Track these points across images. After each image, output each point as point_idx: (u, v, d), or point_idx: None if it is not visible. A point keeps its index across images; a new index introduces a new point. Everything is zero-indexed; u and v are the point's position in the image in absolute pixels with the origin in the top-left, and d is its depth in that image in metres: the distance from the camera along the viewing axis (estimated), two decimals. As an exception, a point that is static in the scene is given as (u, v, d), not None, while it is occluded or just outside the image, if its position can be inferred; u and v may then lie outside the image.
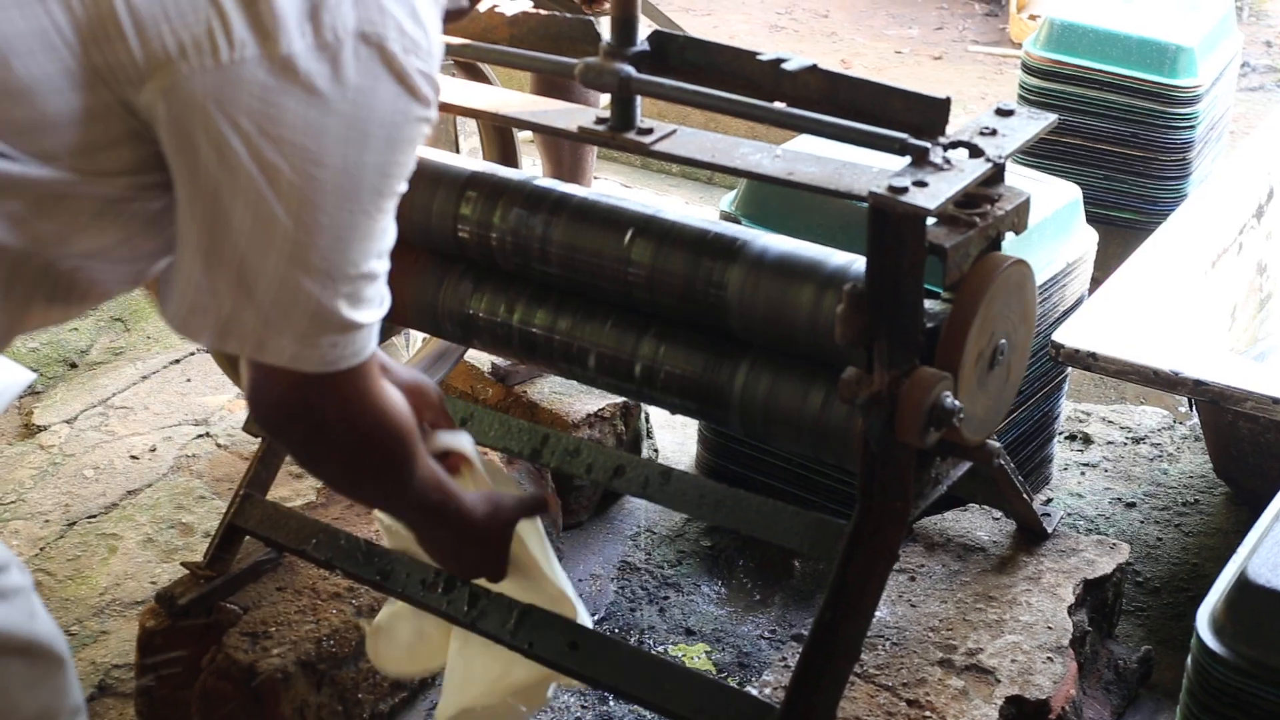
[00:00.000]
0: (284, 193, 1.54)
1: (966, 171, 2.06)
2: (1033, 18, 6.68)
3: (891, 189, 1.97)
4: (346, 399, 1.74)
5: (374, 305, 1.69)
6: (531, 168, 4.15)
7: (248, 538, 2.78)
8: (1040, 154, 4.46)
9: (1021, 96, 4.67)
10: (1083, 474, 3.55)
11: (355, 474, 1.90)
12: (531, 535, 2.33)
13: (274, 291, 1.60)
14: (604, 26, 2.35)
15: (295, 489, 3.51)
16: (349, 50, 1.52)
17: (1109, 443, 3.67)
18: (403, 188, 1.67)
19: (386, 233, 1.67)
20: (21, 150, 1.50)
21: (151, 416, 3.94)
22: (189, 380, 4.12)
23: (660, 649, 3.04)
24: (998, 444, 2.33)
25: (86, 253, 1.61)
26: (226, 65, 1.49)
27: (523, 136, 3.89)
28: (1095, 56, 4.49)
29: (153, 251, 1.68)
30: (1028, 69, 4.67)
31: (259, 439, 2.84)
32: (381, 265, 1.69)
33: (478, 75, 2.89)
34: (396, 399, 1.84)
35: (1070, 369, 3.30)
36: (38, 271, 1.59)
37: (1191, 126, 4.52)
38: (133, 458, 3.76)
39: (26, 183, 1.51)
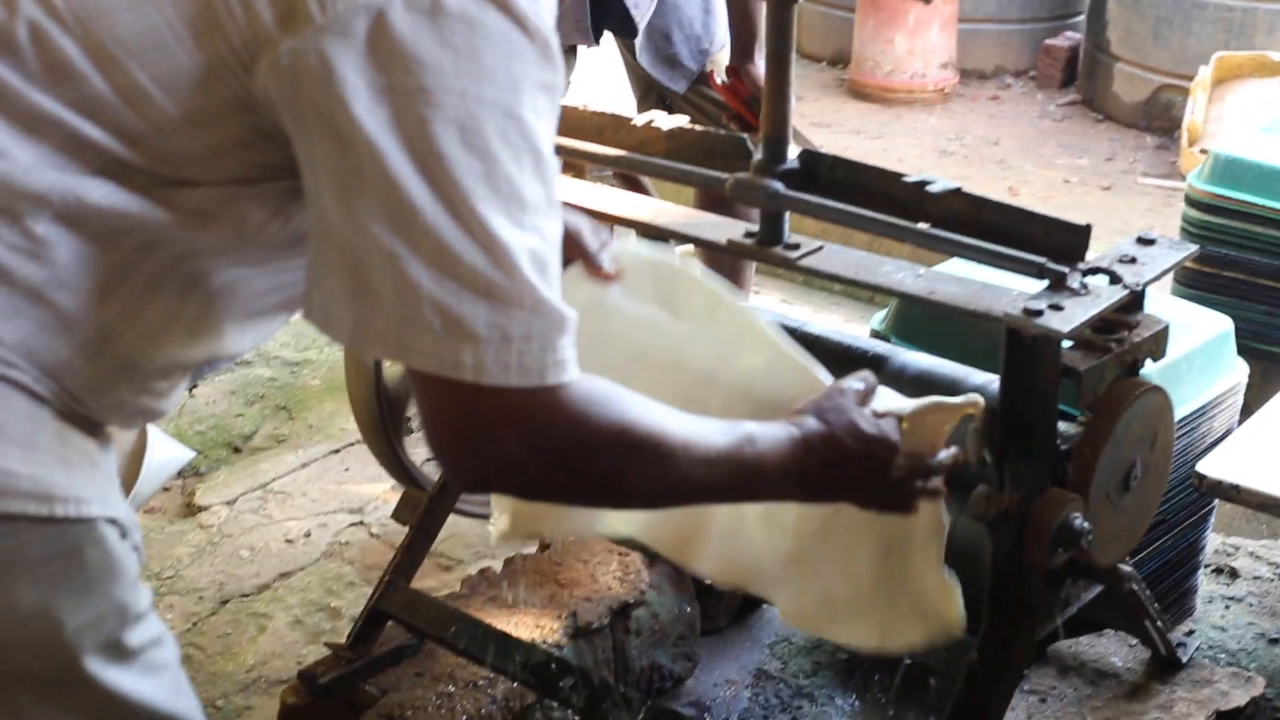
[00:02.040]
0: (400, 162, 1.41)
1: (1103, 297, 2.09)
2: (1204, 152, 6.65)
3: (1027, 311, 2.01)
4: (527, 423, 1.50)
5: (512, 302, 1.45)
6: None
7: (390, 623, 2.85)
8: (1199, 286, 4.45)
9: (1184, 229, 4.66)
10: (1227, 607, 3.51)
11: (594, 495, 1.72)
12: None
13: (390, 280, 1.43)
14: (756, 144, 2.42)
15: (442, 580, 3.59)
16: None
17: (1255, 577, 3.63)
18: (547, 151, 1.48)
19: (525, 198, 1.47)
20: (141, 155, 1.48)
21: (308, 503, 4.05)
22: (347, 469, 4.23)
23: (790, 758, 3.06)
24: (1130, 569, 2.34)
25: (215, 253, 1.56)
26: (324, 25, 1.40)
27: (686, 249, 3.98)
28: (1259, 192, 4.46)
29: (294, 267, 1.61)
30: (1191, 202, 4.66)
31: (406, 528, 2.92)
32: (522, 243, 1.46)
33: (636, 186, 2.97)
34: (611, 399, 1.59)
35: (1217, 501, 3.28)
36: (167, 261, 1.54)
37: (1353, 264, 4.47)
38: (288, 541, 3.87)
39: (155, 192, 1.49)
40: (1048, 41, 8.67)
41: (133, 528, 1.62)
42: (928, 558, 2.16)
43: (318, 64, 1.40)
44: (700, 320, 2.30)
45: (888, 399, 2.05)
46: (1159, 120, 7.85)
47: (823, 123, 7.75)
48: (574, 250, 2.22)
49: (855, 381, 1.99)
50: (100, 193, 1.47)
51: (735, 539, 2.33)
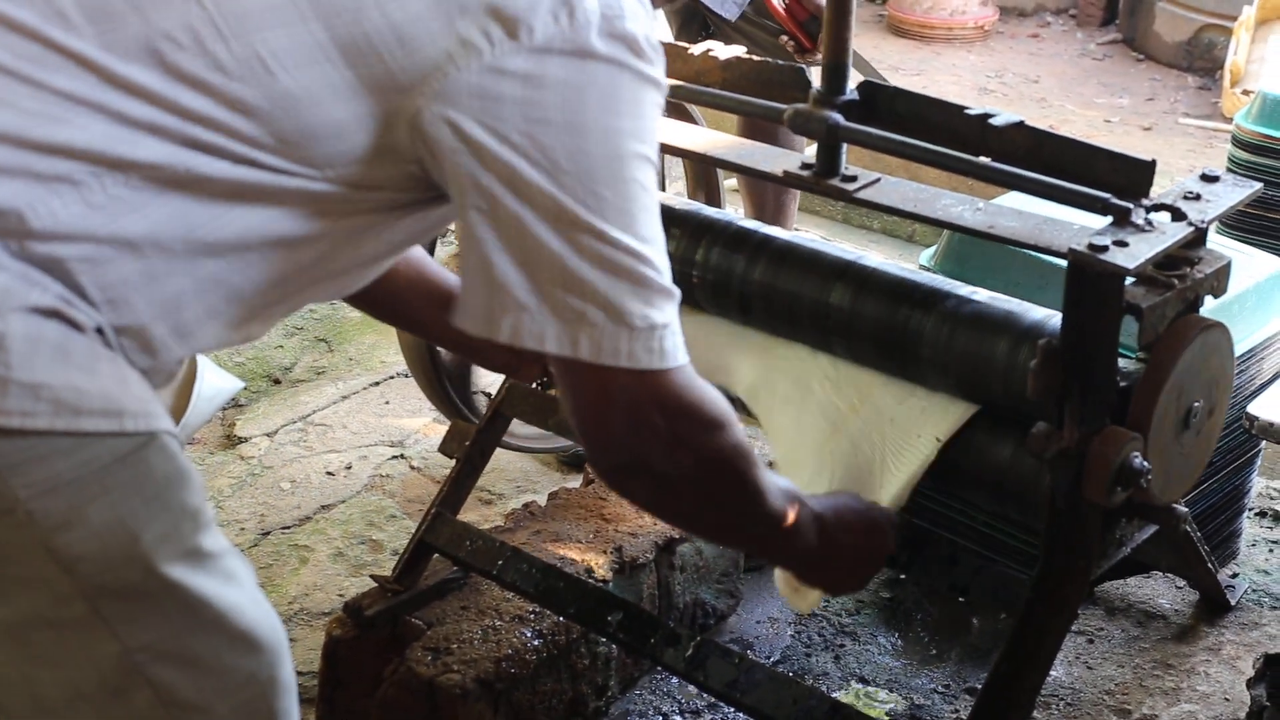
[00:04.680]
0: (559, 181, 1.58)
1: (1168, 234, 2.06)
2: (1246, 93, 6.59)
3: (1092, 246, 1.99)
4: (666, 401, 1.69)
5: (660, 292, 1.66)
6: (734, 212, 4.20)
7: (436, 556, 2.85)
8: (1246, 228, 4.40)
9: (1230, 169, 4.61)
10: (1271, 551, 3.50)
11: (705, 498, 1.84)
12: None
13: (557, 279, 1.61)
14: (814, 75, 2.39)
15: (483, 514, 3.59)
16: (594, 27, 1.59)
17: (1300, 522, 3.62)
18: (654, 157, 1.67)
19: (653, 211, 1.66)
20: (287, 160, 1.57)
21: (349, 435, 4.05)
22: (387, 403, 4.22)
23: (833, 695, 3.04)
24: (1185, 509, 2.32)
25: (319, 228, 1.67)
26: (491, 62, 1.56)
27: (728, 184, 3.97)
28: (1308, 133, 4.43)
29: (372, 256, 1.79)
30: (1238, 142, 4.62)
31: (452, 461, 2.91)
32: (656, 247, 1.67)
33: (684, 116, 2.94)
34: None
35: (1265, 445, 3.26)
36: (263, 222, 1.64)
37: (1402, 205, 4.42)
38: (328, 474, 3.86)
39: (287, 193, 1.59)
40: (1089, -20, 8.61)
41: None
42: None
43: (484, 97, 1.57)
44: None
45: None
46: (1200, 60, 7.79)
47: (860, 60, 7.70)
48: None
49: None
50: (215, 168, 1.55)
51: (801, 405, 2.43)
